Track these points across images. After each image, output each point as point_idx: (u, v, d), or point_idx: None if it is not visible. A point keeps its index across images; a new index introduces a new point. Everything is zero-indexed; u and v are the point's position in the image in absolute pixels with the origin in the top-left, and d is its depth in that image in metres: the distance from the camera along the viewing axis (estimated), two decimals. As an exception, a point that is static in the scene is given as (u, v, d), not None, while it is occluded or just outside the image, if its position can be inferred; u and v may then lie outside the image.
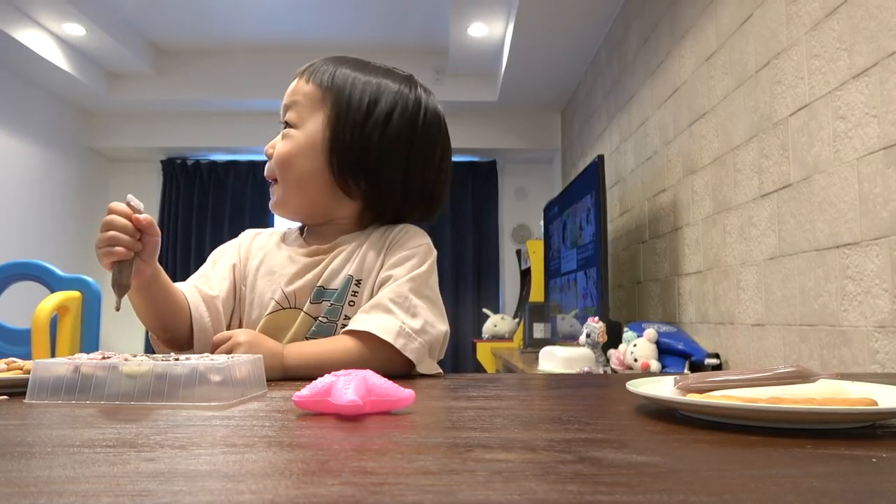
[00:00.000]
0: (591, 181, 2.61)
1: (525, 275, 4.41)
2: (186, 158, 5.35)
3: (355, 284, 0.95)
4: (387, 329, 0.86)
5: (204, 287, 0.96)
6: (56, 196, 4.66)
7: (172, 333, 0.92)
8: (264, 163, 1.03)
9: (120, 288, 0.79)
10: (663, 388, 0.58)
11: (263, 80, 4.59)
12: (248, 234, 1.07)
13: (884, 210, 1.29)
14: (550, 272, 3.49)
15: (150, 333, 0.94)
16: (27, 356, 1.02)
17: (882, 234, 1.29)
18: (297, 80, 1.00)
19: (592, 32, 3.46)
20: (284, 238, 1.04)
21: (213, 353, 0.83)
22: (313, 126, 0.96)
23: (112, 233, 0.79)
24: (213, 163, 5.36)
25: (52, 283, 1.43)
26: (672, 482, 0.34)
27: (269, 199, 1.02)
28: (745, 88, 1.87)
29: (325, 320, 0.93)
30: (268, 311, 0.95)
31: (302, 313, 0.94)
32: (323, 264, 0.96)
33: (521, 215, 5.34)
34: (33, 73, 4.18)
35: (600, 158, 2.53)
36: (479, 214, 5.31)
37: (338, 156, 0.95)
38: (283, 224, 1.12)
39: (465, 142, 4.98)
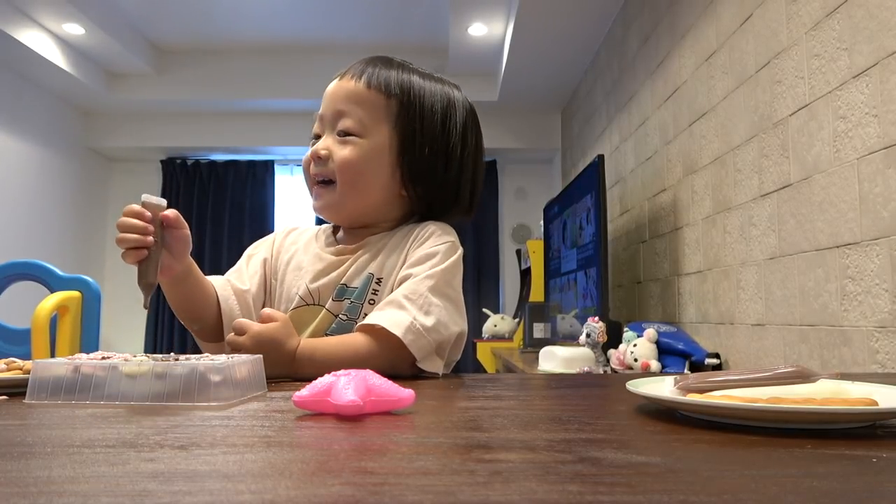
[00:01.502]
0: (591, 181, 2.61)
1: (525, 275, 4.41)
2: (186, 158, 5.35)
3: (376, 283, 0.95)
4: (397, 324, 0.85)
5: (237, 282, 0.98)
6: (56, 196, 4.66)
7: (201, 325, 0.94)
8: (265, 162, 1.03)
9: (146, 287, 0.79)
10: (663, 388, 0.58)
11: (263, 79, 4.59)
12: (284, 230, 1.09)
13: (884, 210, 1.29)
14: (550, 272, 3.49)
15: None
16: (27, 356, 1.02)
17: (882, 233, 1.29)
18: (346, 81, 0.97)
19: (592, 32, 3.45)
20: (317, 236, 1.06)
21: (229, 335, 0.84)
22: (380, 135, 0.95)
23: (120, 235, 0.80)
24: (213, 163, 5.36)
25: (52, 283, 1.43)
26: (672, 482, 0.34)
27: (315, 200, 0.99)
28: (745, 88, 1.87)
29: (345, 318, 0.94)
30: (292, 306, 0.96)
31: (324, 310, 0.95)
32: (348, 262, 0.97)
33: (521, 215, 5.34)
34: (33, 73, 4.18)
35: (600, 158, 2.53)
36: (479, 214, 5.29)
37: (409, 165, 0.96)
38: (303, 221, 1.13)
39: (465, 142, 4.97)
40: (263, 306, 0.99)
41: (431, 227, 0.98)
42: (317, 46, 4.46)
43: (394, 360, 0.85)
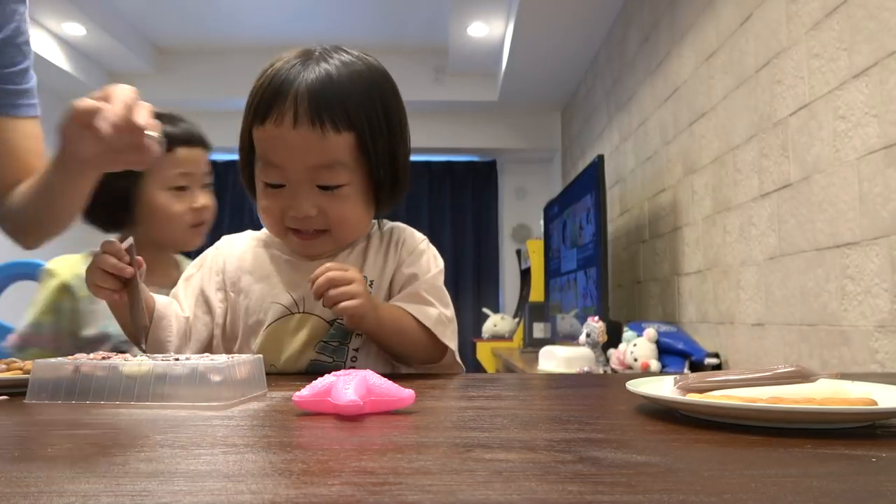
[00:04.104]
0: (591, 181, 2.61)
1: (525, 274, 4.41)
2: (186, 158, 5.35)
3: (369, 285, 0.95)
4: (427, 316, 0.91)
5: (184, 303, 0.95)
6: (56, 196, 4.66)
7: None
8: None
9: (143, 330, 0.79)
10: (663, 387, 0.58)
11: (263, 79, 4.59)
12: (225, 241, 1.03)
13: (884, 210, 1.29)
14: (550, 272, 3.49)
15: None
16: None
17: (882, 233, 1.29)
18: (307, 130, 0.85)
19: (592, 32, 3.45)
20: (267, 243, 1.00)
21: (314, 283, 0.83)
22: (359, 171, 0.90)
23: (102, 274, 0.78)
24: (213, 163, 5.34)
25: (52, 282, 1.43)
26: (672, 482, 0.34)
27: (305, 247, 0.95)
28: (745, 88, 1.87)
29: (343, 322, 0.92)
30: (276, 317, 0.93)
31: (313, 317, 0.93)
32: None
33: (521, 215, 5.34)
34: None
35: (600, 158, 2.53)
36: (479, 214, 5.31)
37: (380, 182, 0.92)
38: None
39: (465, 142, 4.97)
40: (226, 324, 0.96)
41: (403, 228, 1.03)
42: (317, 46, 4.46)
43: (430, 348, 0.93)
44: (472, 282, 5.18)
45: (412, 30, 4.29)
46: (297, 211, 0.89)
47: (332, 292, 0.82)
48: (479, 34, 3.90)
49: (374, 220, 1.02)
